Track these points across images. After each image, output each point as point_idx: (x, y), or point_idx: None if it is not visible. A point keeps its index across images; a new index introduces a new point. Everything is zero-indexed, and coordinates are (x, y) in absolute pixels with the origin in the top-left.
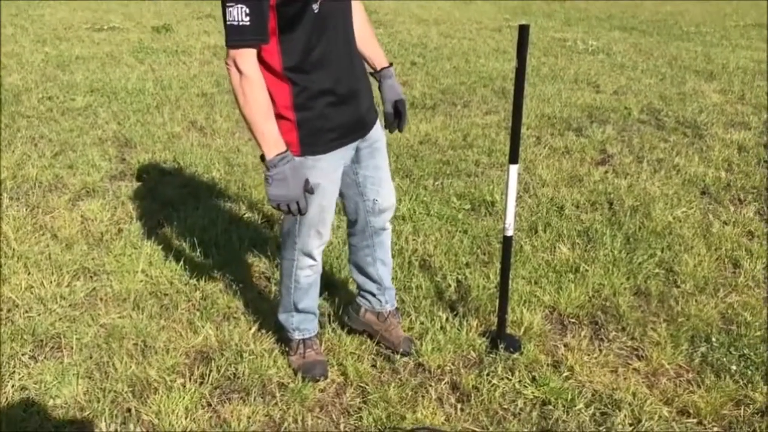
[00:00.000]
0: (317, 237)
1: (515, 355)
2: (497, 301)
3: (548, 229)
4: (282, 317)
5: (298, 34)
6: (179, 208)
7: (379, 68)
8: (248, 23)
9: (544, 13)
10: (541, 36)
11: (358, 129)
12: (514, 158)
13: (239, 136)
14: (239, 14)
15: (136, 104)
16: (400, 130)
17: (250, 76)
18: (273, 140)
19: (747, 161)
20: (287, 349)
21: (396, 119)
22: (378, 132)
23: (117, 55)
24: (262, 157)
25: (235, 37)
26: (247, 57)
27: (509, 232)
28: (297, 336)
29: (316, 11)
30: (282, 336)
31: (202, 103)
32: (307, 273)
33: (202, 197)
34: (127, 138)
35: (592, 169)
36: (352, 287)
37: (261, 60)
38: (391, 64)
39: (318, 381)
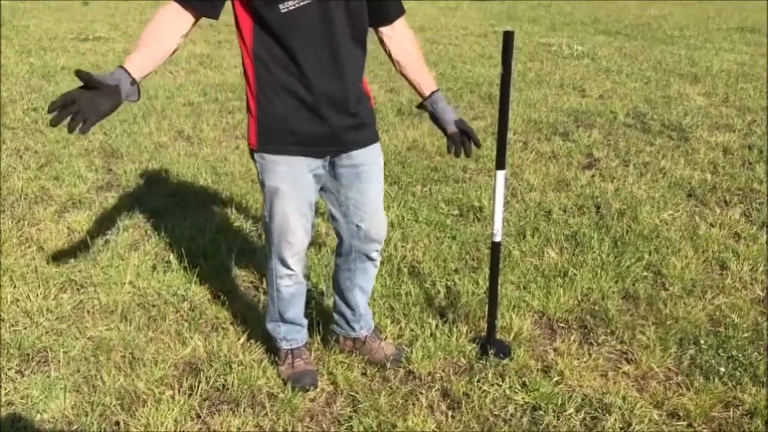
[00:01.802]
0: (288, 246)
1: (505, 361)
2: (486, 306)
3: (536, 233)
4: (269, 326)
5: (267, 29)
6: (166, 218)
7: (427, 94)
8: None
9: (529, 18)
10: (527, 41)
11: (328, 143)
12: (501, 164)
13: (226, 145)
14: None
15: (122, 114)
16: (467, 154)
17: (155, 16)
18: (128, 57)
19: (732, 163)
20: (276, 358)
21: (462, 138)
22: (368, 156)
23: (103, 66)
24: None
25: None
26: (171, 6)
27: (497, 238)
28: (285, 346)
29: (283, 11)
30: (271, 346)
31: (188, 113)
32: (287, 283)
33: (189, 207)
34: (114, 148)
35: (579, 174)
36: None
37: (241, 44)
38: (438, 89)
39: (308, 391)
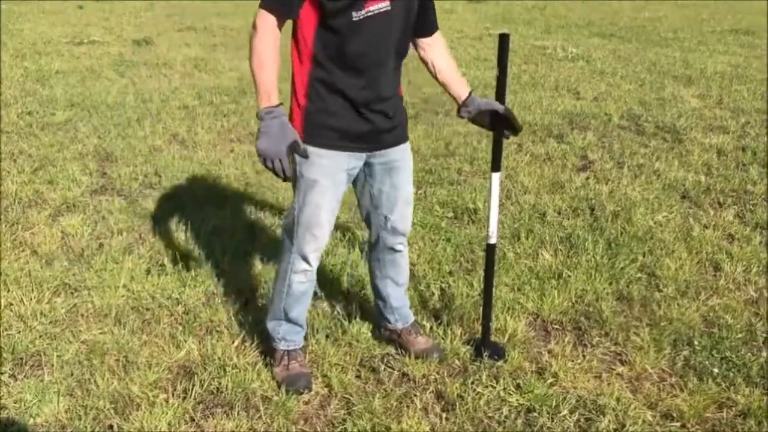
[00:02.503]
0: (312, 240)
1: (499, 363)
2: (481, 308)
3: (531, 235)
4: (270, 325)
5: (334, 33)
6: (161, 221)
7: (467, 93)
8: None
9: (524, 21)
10: (522, 44)
11: (369, 141)
12: (496, 166)
13: (221, 149)
14: None
15: (117, 118)
16: (516, 131)
17: (259, 30)
18: (264, 92)
19: (726, 165)
20: (271, 360)
21: (507, 117)
22: (400, 153)
23: (97, 69)
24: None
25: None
26: (265, 17)
27: (492, 240)
28: (282, 346)
29: (355, 19)
30: (267, 348)
31: (183, 116)
32: (301, 279)
33: (183, 210)
34: (108, 152)
35: (574, 176)
36: (342, 302)
37: (296, 40)
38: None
39: (302, 393)
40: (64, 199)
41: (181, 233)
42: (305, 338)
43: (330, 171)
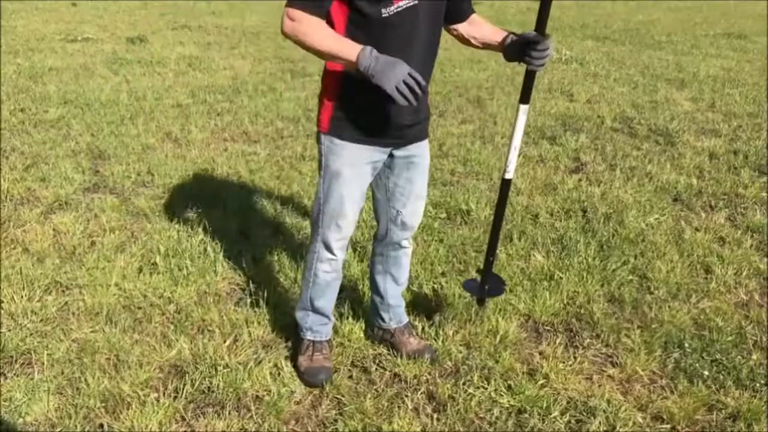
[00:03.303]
0: (337, 230)
1: (502, 297)
2: (485, 252)
3: (523, 237)
4: (299, 314)
5: (364, 29)
6: (153, 220)
7: (500, 40)
8: None
9: (518, 23)
10: None
11: (394, 137)
12: (524, 98)
13: (214, 147)
14: None
15: (110, 116)
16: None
17: (302, 17)
18: (350, 47)
19: (718, 168)
20: (298, 349)
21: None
22: (421, 150)
23: (91, 67)
24: (357, 70)
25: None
26: (297, 10)
27: (509, 175)
28: (309, 336)
29: (384, 16)
30: (294, 336)
31: (176, 114)
32: (326, 268)
33: (176, 209)
34: (101, 150)
35: (566, 177)
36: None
37: None
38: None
39: (321, 386)
40: (56, 197)
41: (173, 232)
42: (333, 331)
43: (355, 162)
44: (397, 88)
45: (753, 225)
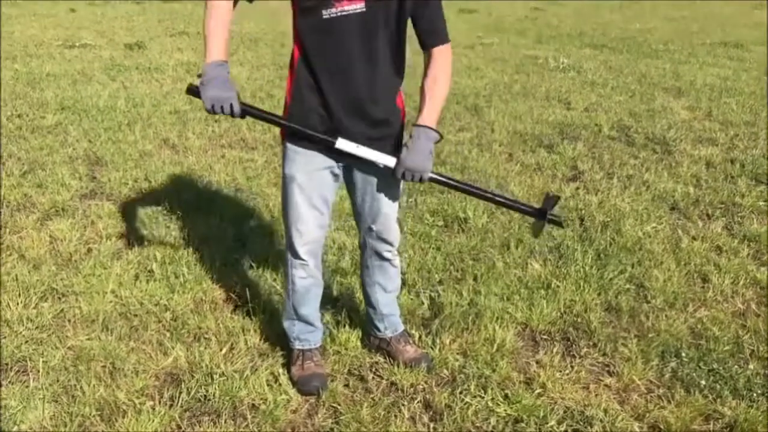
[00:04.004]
0: (298, 234)
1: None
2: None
3: (520, 245)
4: (285, 324)
5: (309, 31)
6: (150, 227)
7: (417, 122)
8: None
9: (516, 31)
10: (513, 53)
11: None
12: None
13: (212, 154)
14: None
15: (108, 122)
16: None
17: (209, 8)
18: (214, 50)
19: (715, 177)
20: (289, 360)
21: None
22: (380, 169)
23: (89, 73)
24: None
25: None
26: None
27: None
28: (297, 346)
29: (324, 17)
30: (286, 347)
31: (174, 121)
32: (301, 274)
33: (173, 216)
34: (98, 156)
35: (564, 186)
36: (330, 311)
37: (294, 39)
38: (429, 127)
39: (315, 394)
40: (53, 203)
41: (170, 239)
42: (322, 338)
43: (306, 168)
44: (213, 107)
45: (750, 234)
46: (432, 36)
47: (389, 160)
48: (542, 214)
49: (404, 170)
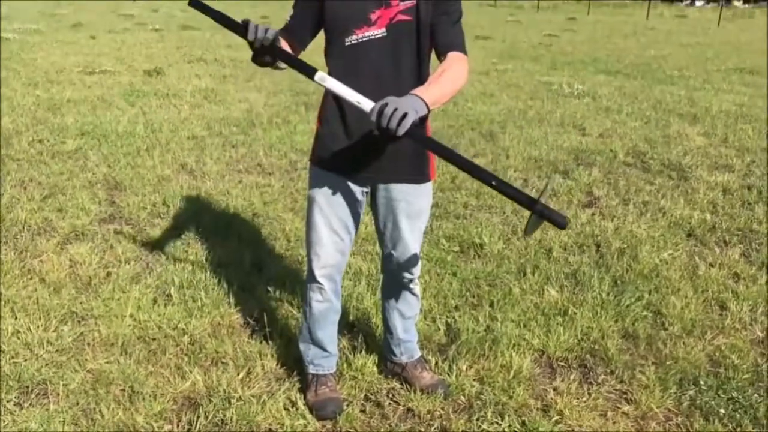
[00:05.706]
0: (316, 258)
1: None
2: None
3: (536, 271)
4: (301, 347)
5: (334, 56)
6: (168, 251)
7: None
8: (288, 19)
9: (530, 57)
10: (528, 80)
11: (365, 171)
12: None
13: (229, 179)
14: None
15: (127, 147)
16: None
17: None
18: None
19: (731, 203)
20: (304, 384)
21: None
22: (403, 194)
23: (108, 98)
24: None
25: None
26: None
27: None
28: (311, 370)
29: (347, 44)
30: (301, 371)
31: (192, 146)
32: (318, 297)
33: (191, 240)
34: (117, 181)
35: (579, 212)
36: (347, 335)
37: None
38: (420, 97)
39: (332, 418)
40: (72, 228)
41: (188, 263)
42: (337, 365)
43: (328, 192)
44: (250, 27)
45: None
46: (449, 47)
47: (367, 104)
48: (533, 203)
49: (383, 104)
